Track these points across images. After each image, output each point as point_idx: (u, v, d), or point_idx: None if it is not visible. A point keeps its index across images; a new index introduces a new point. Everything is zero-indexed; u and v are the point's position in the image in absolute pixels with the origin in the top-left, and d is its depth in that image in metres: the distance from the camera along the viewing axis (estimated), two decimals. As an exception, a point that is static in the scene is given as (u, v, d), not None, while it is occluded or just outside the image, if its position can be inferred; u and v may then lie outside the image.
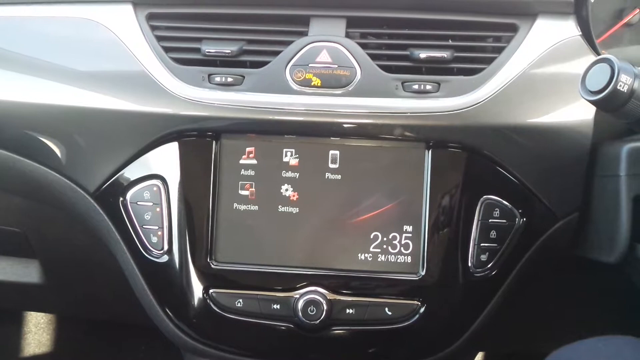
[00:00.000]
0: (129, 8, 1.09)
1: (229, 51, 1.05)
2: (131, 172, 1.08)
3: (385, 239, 1.06)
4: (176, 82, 1.05)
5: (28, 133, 1.10)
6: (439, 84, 1.04)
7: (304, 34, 1.07)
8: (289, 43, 1.05)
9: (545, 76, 1.05)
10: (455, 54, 1.05)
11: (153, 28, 1.08)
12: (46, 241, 1.33)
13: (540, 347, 1.12)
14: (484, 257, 1.06)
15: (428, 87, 1.03)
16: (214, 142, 1.06)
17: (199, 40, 1.07)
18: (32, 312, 2.03)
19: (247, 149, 1.06)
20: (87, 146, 1.09)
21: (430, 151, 1.05)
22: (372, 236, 1.06)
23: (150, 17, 1.09)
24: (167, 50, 1.07)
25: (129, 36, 1.08)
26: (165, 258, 1.09)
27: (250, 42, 1.07)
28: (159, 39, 1.07)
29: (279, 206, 1.06)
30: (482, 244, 1.06)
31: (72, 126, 1.08)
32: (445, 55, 1.04)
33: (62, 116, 1.07)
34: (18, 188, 1.20)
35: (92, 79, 1.07)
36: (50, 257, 1.37)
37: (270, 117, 1.03)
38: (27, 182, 1.14)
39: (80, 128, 1.08)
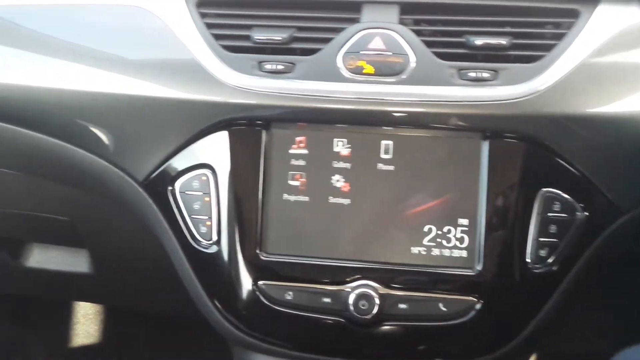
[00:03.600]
0: None
1: (280, 38, 1.03)
2: (180, 161, 1.07)
3: (439, 232, 1.03)
4: (226, 70, 1.03)
5: (78, 121, 1.10)
6: (497, 72, 1.00)
7: (355, 20, 1.04)
8: (340, 30, 1.03)
9: (608, 64, 1.00)
10: (513, 41, 1.01)
11: (203, 15, 1.07)
12: (94, 230, 1.33)
13: (598, 349, 1.07)
14: (543, 253, 1.02)
15: (485, 74, 1.00)
16: (263, 131, 1.04)
17: (249, 27, 1.05)
18: (80, 303, 2.05)
19: (297, 139, 1.04)
20: (136, 134, 1.08)
21: (487, 142, 1.01)
22: (425, 229, 1.03)
23: (200, 4, 1.07)
24: (217, 37, 1.05)
25: (179, 24, 1.06)
26: (214, 249, 1.07)
27: (300, 29, 1.05)
28: (209, 26, 1.06)
29: (330, 197, 1.04)
30: (541, 239, 1.02)
31: (121, 114, 1.07)
32: (503, 42, 1.00)
33: (112, 104, 1.07)
34: (66, 176, 1.21)
35: (142, 67, 1.07)
36: (99, 247, 1.38)
37: (322, 105, 1.01)
38: (76, 170, 1.14)
39: (129, 116, 1.07)
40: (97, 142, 1.10)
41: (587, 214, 1.01)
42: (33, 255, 1.48)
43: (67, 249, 1.45)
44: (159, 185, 1.09)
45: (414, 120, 1.02)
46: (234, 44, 1.05)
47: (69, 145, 1.12)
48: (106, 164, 1.11)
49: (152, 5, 1.08)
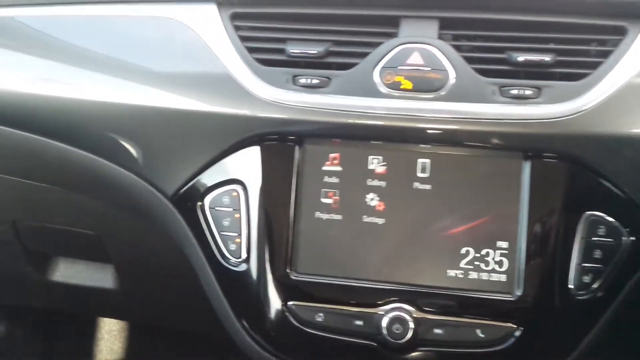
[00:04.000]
0: (212, 7, 1.06)
1: (315, 52, 1.01)
2: (210, 176, 1.05)
3: (477, 255, 0.99)
4: (260, 84, 1.01)
5: (108, 134, 1.08)
6: (540, 89, 0.97)
7: (393, 35, 1.01)
8: (377, 44, 1.01)
9: None
10: (557, 58, 0.98)
11: (237, 28, 1.05)
12: (121, 245, 1.32)
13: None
14: (586, 279, 0.98)
15: (528, 92, 0.96)
16: (296, 146, 1.02)
17: (283, 40, 1.03)
18: (104, 319, 2.04)
19: (331, 155, 1.02)
20: (166, 148, 1.06)
21: (528, 162, 0.98)
22: (463, 251, 1.00)
23: (234, 16, 1.06)
24: (250, 50, 1.03)
25: (212, 36, 1.05)
26: (243, 267, 1.05)
27: (336, 43, 1.02)
28: (243, 39, 1.04)
29: (364, 216, 1.01)
30: (584, 264, 0.98)
31: (152, 127, 1.06)
32: (547, 59, 0.97)
33: (143, 117, 1.05)
34: (95, 190, 1.19)
35: (174, 79, 1.05)
36: (125, 262, 1.36)
37: (357, 121, 0.99)
38: (105, 184, 1.13)
39: (160, 129, 1.06)
40: (126, 155, 1.08)
41: (634, 238, 0.97)
42: (59, 269, 1.46)
43: (92, 263, 1.43)
44: (188, 200, 1.07)
45: (452, 138, 0.99)
46: (268, 57, 1.03)
47: (98, 158, 1.10)
48: (135, 178, 1.09)
49: (185, 17, 1.07)
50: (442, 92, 0.98)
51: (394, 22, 1.02)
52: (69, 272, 1.46)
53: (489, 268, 0.99)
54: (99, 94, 1.07)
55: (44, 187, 1.23)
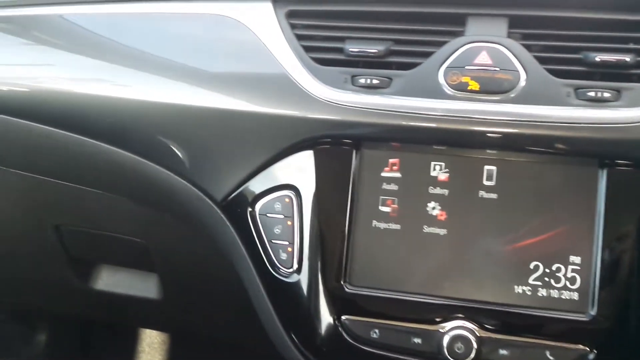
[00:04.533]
0: (268, 5, 1.02)
1: (376, 51, 0.96)
2: (262, 181, 1.01)
3: (547, 270, 0.93)
4: (317, 84, 0.97)
5: (158, 136, 1.05)
6: (619, 92, 0.90)
7: (459, 34, 0.96)
8: (442, 44, 0.95)
9: None
10: (638, 59, 0.91)
11: (293, 26, 1.01)
12: (166, 253, 1.28)
13: None
14: None
15: (606, 94, 0.90)
16: (353, 151, 0.97)
17: (341, 39, 0.98)
18: (146, 331, 2.01)
19: (391, 161, 0.97)
20: (217, 151, 1.02)
21: (605, 170, 0.91)
22: (531, 266, 0.93)
23: (290, 14, 1.01)
24: (307, 49, 0.99)
25: (268, 34, 1.01)
26: (294, 277, 1.00)
27: (398, 42, 0.97)
28: (299, 37, 1.00)
29: (424, 226, 0.96)
30: None
31: (204, 129, 1.02)
32: (627, 59, 0.90)
33: (195, 118, 1.02)
34: (142, 195, 1.16)
35: (227, 78, 1.01)
36: (170, 271, 1.32)
37: (420, 124, 0.93)
38: (153, 188, 1.10)
39: (212, 131, 1.02)
40: (176, 158, 1.05)
41: None
42: (101, 277, 1.42)
43: (135, 272, 1.39)
44: (238, 206, 1.03)
45: (522, 143, 0.93)
46: (326, 57, 0.99)
47: (147, 162, 1.07)
48: (184, 182, 1.05)
49: (240, 14, 1.03)
50: (512, 94, 0.92)
51: (460, 20, 0.97)
52: (111, 280, 1.42)
53: (560, 285, 0.93)
54: (150, 95, 1.04)
55: (91, 192, 1.20)
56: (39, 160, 1.18)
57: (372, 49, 0.96)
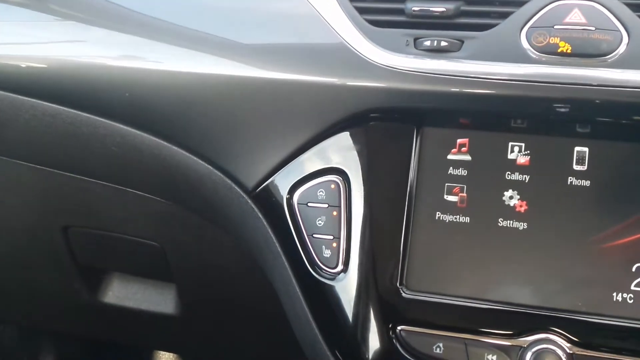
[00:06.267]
0: None
1: (443, 9, 0.85)
2: (303, 164, 0.90)
3: None
4: (373, 48, 0.86)
5: (186, 112, 0.94)
6: None
7: None
8: (522, 3, 0.84)
9: None
10: None
11: None
12: (185, 258, 1.18)
13: None
14: None
15: None
16: (414, 128, 0.86)
17: None
18: (161, 353, 1.91)
19: (459, 140, 0.85)
20: (251, 129, 0.91)
21: None
22: (634, 269, 0.80)
23: None
24: (361, 11, 0.89)
25: None
26: (339, 279, 0.87)
27: (469, 1, 0.86)
28: None
29: (500, 219, 0.84)
30: None
31: (235, 103, 0.91)
32: None
33: (230, 90, 0.91)
34: (159, 186, 1.05)
35: (271, 46, 0.93)
36: (188, 280, 1.22)
37: (501, 91, 0.81)
38: (172, 177, 0.99)
39: (245, 105, 0.91)
40: (203, 139, 0.94)
41: None
42: (112, 289, 1.33)
43: (150, 283, 1.30)
44: (273, 195, 0.91)
45: (625, 117, 0.81)
46: (382, 19, 0.88)
47: (169, 144, 0.97)
48: (210, 168, 0.94)
49: None
50: (612, 58, 0.80)
51: None
52: (123, 292, 1.33)
53: None
54: (180, 66, 0.94)
55: (100, 186, 1.11)
56: (44, 146, 1.08)
57: (439, 7, 0.85)
